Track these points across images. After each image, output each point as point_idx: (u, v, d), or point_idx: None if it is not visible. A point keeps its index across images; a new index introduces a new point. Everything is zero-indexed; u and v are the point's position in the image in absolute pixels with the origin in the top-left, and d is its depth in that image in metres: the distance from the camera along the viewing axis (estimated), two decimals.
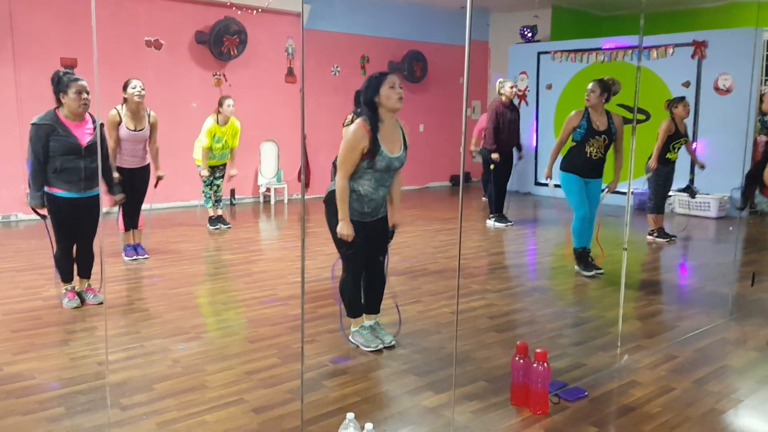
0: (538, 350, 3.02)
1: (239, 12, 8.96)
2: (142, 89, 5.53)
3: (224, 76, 9.13)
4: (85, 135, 4.28)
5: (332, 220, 3.60)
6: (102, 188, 4.59)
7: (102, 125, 4.75)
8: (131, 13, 8.30)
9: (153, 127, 5.72)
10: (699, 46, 8.93)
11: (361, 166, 3.51)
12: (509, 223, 7.88)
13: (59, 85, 4.22)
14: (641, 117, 9.19)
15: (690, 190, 8.51)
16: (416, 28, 11.09)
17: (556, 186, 5.63)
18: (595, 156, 5.36)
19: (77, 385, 3.24)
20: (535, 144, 10.83)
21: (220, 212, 7.42)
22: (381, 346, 3.75)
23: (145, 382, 3.28)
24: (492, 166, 7.72)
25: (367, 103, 3.50)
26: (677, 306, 4.80)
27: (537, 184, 10.86)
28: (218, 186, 7.31)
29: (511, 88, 7.65)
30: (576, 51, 10.29)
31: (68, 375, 3.36)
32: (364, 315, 3.85)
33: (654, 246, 6.84)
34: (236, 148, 7.24)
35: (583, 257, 5.53)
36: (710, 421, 2.98)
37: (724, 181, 8.48)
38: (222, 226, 7.37)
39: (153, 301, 4.71)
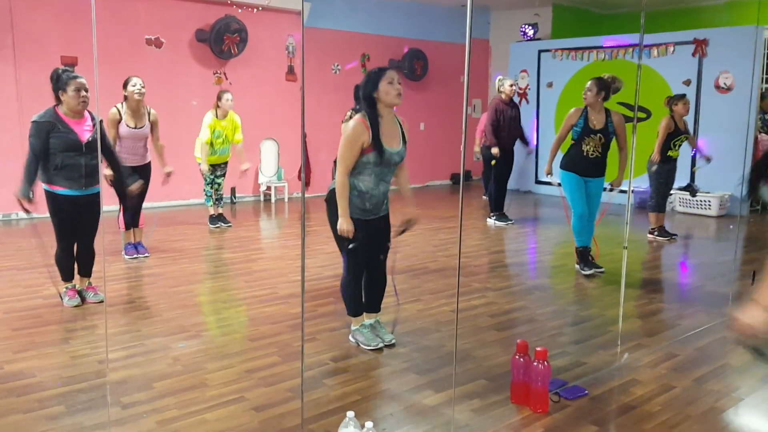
0: (538, 348, 3.02)
1: (240, 10, 8.96)
2: (143, 87, 5.54)
3: (225, 74, 9.13)
4: (84, 132, 4.28)
5: (334, 219, 3.60)
6: (103, 184, 4.58)
7: (101, 122, 4.74)
8: (131, 11, 8.30)
9: (154, 125, 5.73)
10: (700, 45, 8.92)
11: (361, 162, 3.51)
12: (510, 222, 7.88)
13: (58, 82, 4.23)
14: (642, 115, 9.18)
15: (691, 188, 8.52)
16: (417, 26, 11.08)
17: (560, 185, 5.63)
18: (593, 154, 5.35)
19: (78, 383, 3.24)
20: (535, 142, 10.83)
21: (220, 211, 7.43)
22: (381, 345, 3.75)
23: (145, 381, 3.28)
24: (493, 162, 7.69)
25: (366, 98, 3.52)
26: (678, 304, 4.80)
27: (537, 182, 10.85)
28: (219, 185, 7.32)
29: (511, 86, 7.64)
30: (577, 49, 10.28)
31: (69, 373, 3.36)
32: (364, 314, 3.85)
33: (655, 244, 6.84)
34: (241, 142, 7.25)
35: (583, 256, 5.53)
36: (710, 419, 2.98)
37: (725, 179, 8.47)
38: (222, 224, 7.37)
39: (153, 300, 4.71)
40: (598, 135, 5.30)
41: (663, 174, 6.83)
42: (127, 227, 5.87)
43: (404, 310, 4.40)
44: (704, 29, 9.13)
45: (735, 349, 3.86)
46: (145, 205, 5.95)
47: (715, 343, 3.94)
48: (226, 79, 9.11)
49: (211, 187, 7.26)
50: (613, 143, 5.44)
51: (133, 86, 5.49)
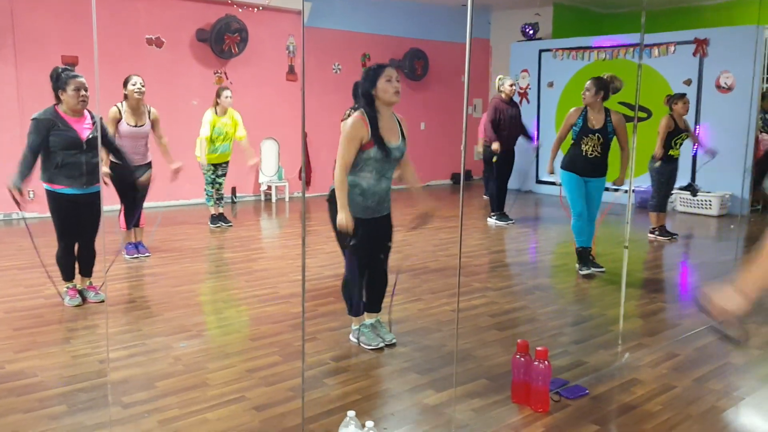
0: (538, 348, 3.02)
1: (240, 10, 8.96)
2: (143, 86, 5.55)
3: (225, 74, 9.13)
4: (84, 130, 4.29)
5: (335, 218, 3.61)
6: (105, 183, 4.59)
7: (101, 119, 4.75)
8: (132, 11, 8.31)
9: (155, 123, 5.73)
10: (701, 44, 8.92)
11: (362, 158, 3.52)
12: (510, 222, 7.87)
13: (58, 81, 4.24)
14: (643, 115, 9.18)
15: (691, 188, 8.51)
16: (417, 25, 11.08)
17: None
18: (591, 154, 5.34)
19: (79, 383, 3.24)
20: (536, 142, 10.82)
21: (221, 210, 7.43)
22: (382, 344, 3.75)
23: (146, 380, 3.29)
24: (494, 159, 7.65)
25: (364, 95, 3.55)
26: (678, 304, 4.80)
27: (538, 182, 10.85)
28: (220, 184, 7.32)
29: (511, 86, 7.62)
30: (577, 49, 10.27)
31: (70, 373, 3.36)
32: (365, 313, 3.86)
33: (655, 244, 6.84)
34: (245, 137, 7.24)
35: (581, 256, 5.52)
36: (711, 419, 2.98)
37: (726, 179, 8.47)
38: (223, 224, 7.38)
39: (154, 299, 4.71)
40: (596, 135, 5.30)
41: (665, 174, 6.82)
42: (128, 227, 5.87)
43: (405, 310, 4.40)
44: (705, 29, 9.13)
45: (736, 348, 3.86)
46: (146, 204, 5.95)
47: (716, 343, 3.94)
48: (227, 78, 9.12)
49: (212, 187, 7.27)
50: (615, 143, 5.43)
51: (133, 85, 5.50)
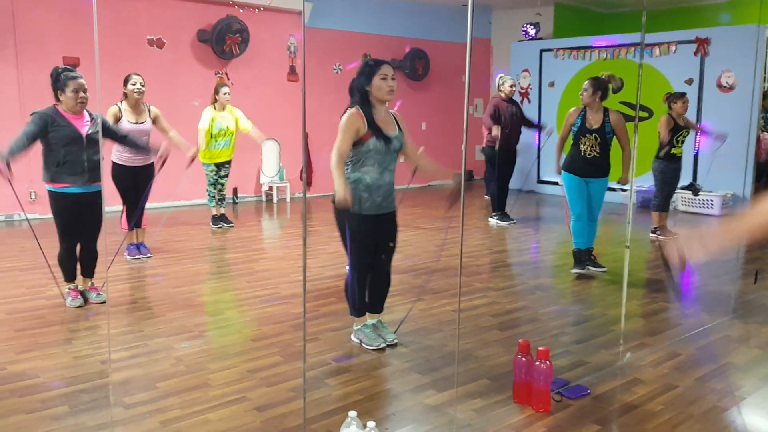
0: (540, 348, 3.02)
1: (241, 11, 8.97)
2: (142, 85, 5.56)
3: (226, 74, 9.13)
4: (83, 127, 4.31)
5: (340, 220, 3.61)
6: (105, 184, 4.58)
7: (102, 117, 4.78)
8: (133, 11, 8.31)
9: (157, 119, 5.73)
10: (702, 44, 8.91)
11: (362, 152, 3.53)
12: (512, 222, 7.87)
13: (57, 82, 4.27)
14: (644, 114, 9.17)
15: (693, 187, 8.51)
16: (418, 25, 11.08)
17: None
18: (590, 154, 5.33)
19: (80, 383, 3.25)
20: (537, 142, 10.82)
21: (222, 211, 7.44)
22: (383, 345, 3.75)
23: (148, 381, 3.29)
24: (496, 141, 7.58)
25: (358, 90, 3.58)
26: (680, 304, 4.79)
27: (540, 182, 10.84)
28: (222, 185, 7.33)
29: (511, 87, 7.59)
30: (578, 48, 10.26)
31: (71, 374, 3.37)
32: (367, 314, 3.86)
33: (657, 244, 6.83)
34: (251, 127, 7.27)
35: (577, 257, 5.50)
36: (713, 418, 2.97)
37: (727, 178, 8.46)
38: (225, 225, 7.38)
39: (156, 300, 4.72)
40: (594, 135, 5.29)
41: (668, 173, 6.82)
42: (130, 228, 5.88)
43: (406, 310, 4.40)
44: (706, 28, 9.12)
45: (737, 348, 3.86)
46: (147, 205, 5.96)
47: (718, 343, 3.94)
48: (228, 79, 9.12)
49: (215, 188, 7.27)
50: (616, 143, 5.43)
51: (133, 84, 5.51)
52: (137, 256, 5.85)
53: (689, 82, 8.98)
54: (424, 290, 4.96)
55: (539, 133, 8.34)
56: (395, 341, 3.81)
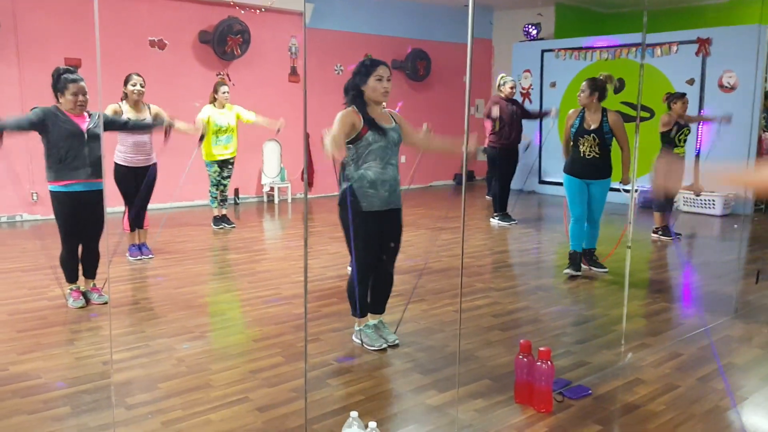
0: (541, 348, 3.02)
1: (243, 12, 8.98)
2: (142, 86, 5.58)
3: (228, 75, 9.14)
4: (83, 124, 4.33)
5: (345, 220, 3.61)
6: (106, 184, 4.59)
7: (101, 114, 4.80)
8: (134, 12, 8.33)
9: (159, 116, 5.71)
10: (703, 44, 8.91)
11: (362, 146, 3.55)
12: (513, 222, 7.87)
13: (57, 84, 4.29)
14: (645, 114, 9.16)
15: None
16: (419, 26, 11.08)
17: None
18: (589, 155, 5.33)
19: (82, 384, 3.25)
20: (538, 142, 10.82)
21: (224, 212, 7.44)
22: (385, 345, 3.75)
23: (149, 382, 3.29)
24: (495, 125, 7.56)
25: (353, 89, 3.60)
26: (681, 304, 4.79)
27: (541, 182, 10.84)
28: (225, 186, 7.33)
29: (512, 88, 7.59)
30: (580, 49, 10.26)
31: (73, 374, 3.37)
32: (368, 314, 3.86)
33: (659, 244, 6.83)
34: (254, 117, 7.27)
35: (572, 258, 5.49)
36: (714, 418, 2.97)
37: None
38: (226, 225, 7.39)
39: (157, 301, 4.72)
40: (592, 135, 5.29)
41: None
42: (132, 229, 5.88)
43: (408, 310, 4.39)
44: (707, 28, 9.11)
45: (739, 348, 3.86)
46: (149, 206, 5.96)
47: (719, 342, 3.94)
48: (229, 80, 9.13)
49: (217, 188, 7.28)
50: (617, 144, 5.42)
51: (133, 85, 5.53)
52: (139, 257, 5.86)
53: (690, 82, 8.98)
54: (425, 291, 4.96)
55: (540, 134, 8.34)
56: (397, 342, 3.81)
